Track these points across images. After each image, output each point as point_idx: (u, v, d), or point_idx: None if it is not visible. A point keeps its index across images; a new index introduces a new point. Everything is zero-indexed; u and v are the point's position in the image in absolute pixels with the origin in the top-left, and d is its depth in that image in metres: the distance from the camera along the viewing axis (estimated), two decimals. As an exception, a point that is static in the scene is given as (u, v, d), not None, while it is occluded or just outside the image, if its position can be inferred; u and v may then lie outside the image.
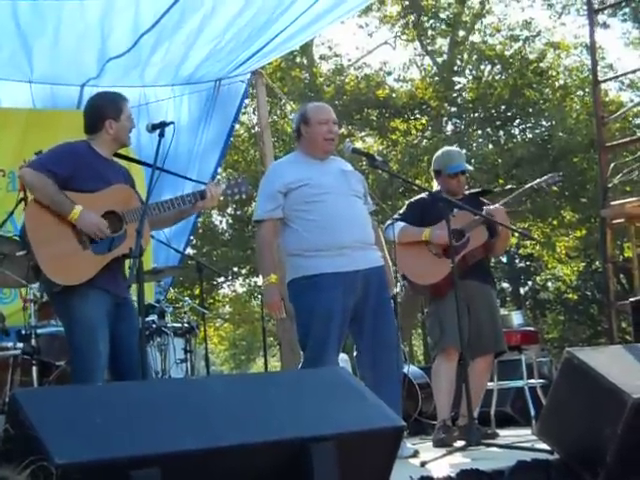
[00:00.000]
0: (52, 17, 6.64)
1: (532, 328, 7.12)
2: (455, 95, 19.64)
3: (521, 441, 4.76)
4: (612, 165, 8.35)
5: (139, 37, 7.03)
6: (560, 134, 17.64)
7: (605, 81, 12.17)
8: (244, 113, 17.84)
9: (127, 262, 4.07)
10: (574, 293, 21.78)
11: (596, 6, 11.81)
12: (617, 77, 18.14)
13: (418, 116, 19.51)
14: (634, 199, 7.96)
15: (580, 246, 19.86)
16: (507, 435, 5.53)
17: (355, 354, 4.69)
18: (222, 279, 20.79)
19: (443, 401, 5.28)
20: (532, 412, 5.96)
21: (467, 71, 20.24)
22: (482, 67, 19.95)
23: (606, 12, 18.40)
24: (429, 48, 20.61)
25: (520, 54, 19.39)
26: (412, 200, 5.65)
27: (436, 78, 19.92)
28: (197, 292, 16.84)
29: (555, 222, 19.22)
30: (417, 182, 15.12)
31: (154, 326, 6.27)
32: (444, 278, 5.14)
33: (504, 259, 20.48)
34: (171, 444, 2.45)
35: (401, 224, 5.31)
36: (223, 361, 34.95)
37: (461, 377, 4.84)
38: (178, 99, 8.31)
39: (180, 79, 8.11)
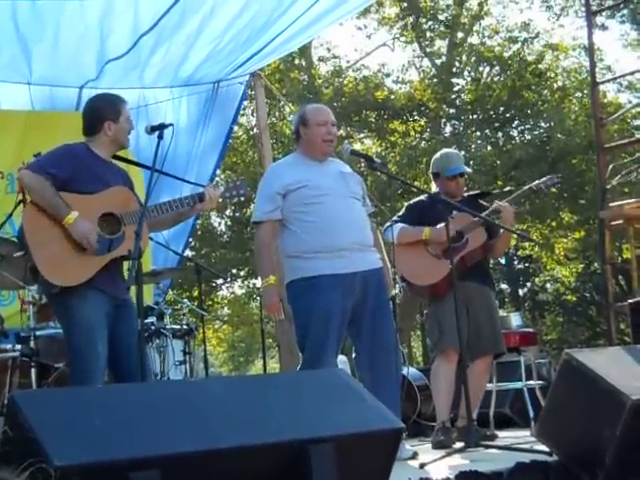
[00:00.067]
0: (51, 19, 6.64)
1: (531, 329, 7.12)
2: (454, 97, 19.66)
3: (520, 442, 4.77)
4: (611, 166, 8.36)
5: (138, 39, 7.03)
6: (559, 135, 17.65)
7: (603, 82, 12.20)
8: (243, 115, 17.87)
9: (126, 264, 4.07)
10: (573, 294, 21.78)
11: (594, 8, 11.83)
12: (615, 78, 18.17)
13: (417, 118, 19.53)
14: (633, 200, 7.98)
15: (579, 247, 19.86)
16: (506, 436, 5.53)
17: (354, 356, 4.69)
18: (221, 281, 20.80)
19: (442, 402, 5.28)
20: (531, 413, 5.95)
21: (466, 73, 20.25)
22: (481, 69, 19.97)
23: (604, 14, 18.44)
24: (428, 50, 20.62)
25: (519, 56, 19.40)
26: (411, 202, 5.65)
27: (435, 80, 19.93)
28: (196, 294, 16.83)
29: (554, 223, 19.23)
30: (416, 184, 15.11)
31: (153, 328, 6.27)
32: (443, 279, 5.15)
33: (503, 260, 20.48)
34: (170, 446, 2.45)
35: (400, 225, 5.31)
36: (222, 363, 34.96)
37: (460, 378, 4.84)
38: (177, 101, 8.31)
39: (179, 81, 8.11)
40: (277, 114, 18.79)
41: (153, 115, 7.91)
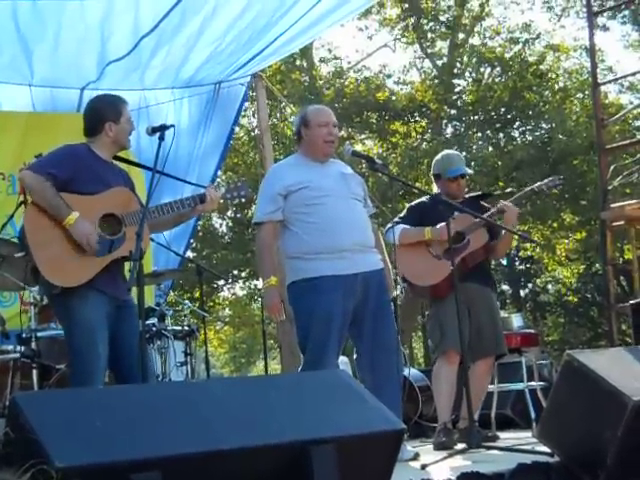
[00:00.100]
0: (52, 20, 6.64)
1: (532, 330, 7.12)
2: (455, 98, 19.65)
3: (521, 444, 4.77)
4: (612, 167, 8.34)
5: (139, 40, 7.04)
6: (560, 136, 17.64)
7: (605, 83, 12.20)
8: (244, 116, 17.88)
9: (127, 265, 4.07)
10: (574, 295, 21.76)
11: (596, 9, 11.83)
12: (617, 79, 18.16)
13: (418, 119, 19.52)
14: (634, 201, 7.96)
15: (580, 248, 19.85)
16: (507, 438, 5.53)
17: (355, 357, 4.69)
18: (222, 282, 20.80)
19: (444, 404, 5.28)
20: (532, 415, 5.95)
21: (467, 74, 20.25)
22: (482, 70, 19.96)
23: (606, 15, 18.45)
24: (429, 51, 20.62)
25: (520, 57, 19.39)
26: (412, 204, 5.66)
27: (436, 81, 19.93)
28: (197, 295, 16.84)
29: (555, 224, 19.22)
30: (417, 185, 15.10)
31: (154, 329, 6.27)
32: (444, 279, 5.15)
33: (504, 261, 20.46)
34: (171, 447, 2.45)
35: (401, 226, 5.31)
36: (223, 364, 34.95)
37: (462, 380, 4.84)
38: (178, 102, 8.31)
39: (180, 82, 8.11)
40: (278, 115, 18.79)
41: (154, 116, 7.92)
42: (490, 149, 19.03)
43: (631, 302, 6.69)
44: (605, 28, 20.00)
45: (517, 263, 22.04)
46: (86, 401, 2.61)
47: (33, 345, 5.30)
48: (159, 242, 7.07)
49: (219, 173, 10.78)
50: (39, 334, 5.37)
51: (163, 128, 4.18)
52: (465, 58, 20.17)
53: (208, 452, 2.48)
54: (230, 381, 5.44)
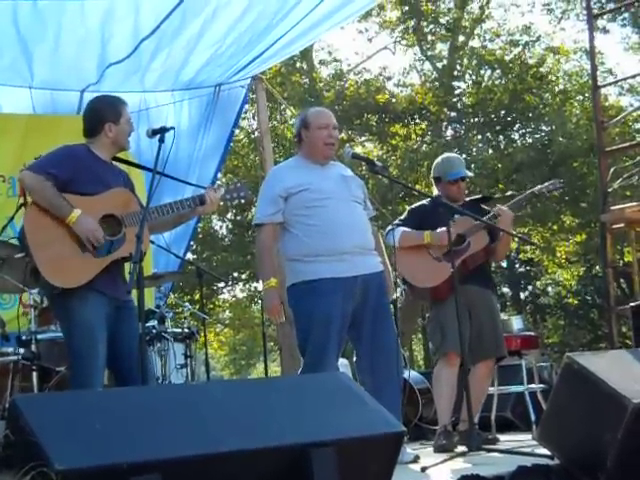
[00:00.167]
0: (52, 23, 6.65)
1: (532, 333, 7.11)
2: (455, 100, 19.65)
3: (521, 446, 4.76)
4: (612, 170, 8.35)
5: (139, 42, 7.04)
6: (560, 139, 17.64)
7: (605, 86, 12.20)
8: (244, 118, 17.87)
9: (127, 266, 4.07)
10: (574, 298, 21.75)
11: (596, 11, 11.84)
12: (617, 82, 18.15)
13: (418, 121, 19.52)
14: (634, 204, 7.96)
15: (580, 251, 19.85)
16: (507, 440, 5.52)
17: (355, 359, 4.69)
18: (222, 284, 20.80)
19: (444, 406, 5.28)
20: (532, 417, 5.94)
21: (467, 76, 20.24)
22: (482, 72, 19.96)
23: (606, 17, 18.46)
24: (429, 53, 20.62)
25: (520, 59, 19.39)
26: (413, 206, 5.66)
27: (436, 83, 19.93)
28: (197, 297, 16.86)
29: (555, 227, 19.22)
30: (417, 187, 15.11)
31: (154, 331, 6.27)
32: (444, 281, 5.14)
33: (504, 264, 20.45)
34: (171, 450, 2.45)
35: (401, 229, 5.31)
36: (223, 366, 34.93)
37: (462, 382, 4.83)
38: (178, 104, 8.31)
39: (180, 84, 8.11)
40: (278, 117, 18.78)
41: (154, 118, 7.92)
42: (490, 151, 19.03)
43: (631, 304, 6.68)
44: (605, 30, 20.01)
45: (517, 265, 22.04)
46: (86, 403, 2.61)
47: (33, 347, 5.29)
48: (159, 244, 7.07)
49: (219, 175, 10.77)
50: (39, 336, 5.37)
51: (163, 130, 4.18)
52: (465, 60, 20.17)
53: (208, 454, 2.48)
54: (230, 383, 5.44)
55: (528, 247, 19.89)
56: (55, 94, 7.82)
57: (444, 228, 4.85)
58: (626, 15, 19.51)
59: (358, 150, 17.79)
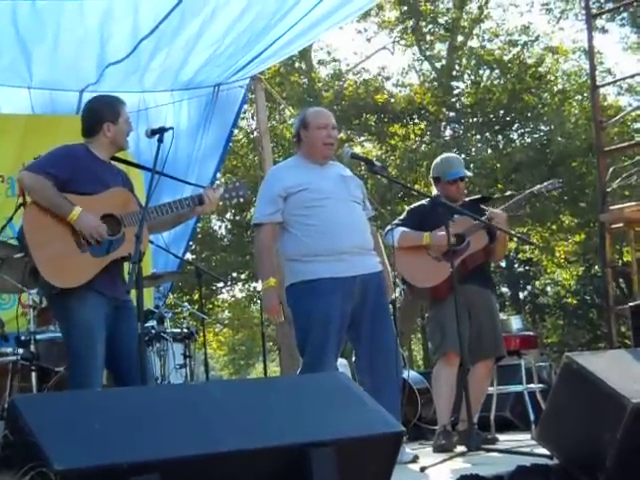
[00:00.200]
0: (51, 23, 6.64)
1: (531, 333, 7.11)
2: (454, 100, 19.65)
3: (521, 446, 4.77)
4: (611, 169, 8.36)
5: (138, 42, 7.04)
6: (559, 139, 17.64)
7: (603, 86, 12.21)
8: (243, 118, 17.86)
9: (126, 266, 4.07)
10: (573, 297, 21.76)
11: (594, 11, 11.84)
12: (615, 82, 18.13)
13: (417, 121, 19.52)
14: (633, 203, 7.96)
15: (579, 251, 19.85)
16: (507, 440, 5.53)
17: (354, 359, 4.69)
18: (221, 284, 20.79)
19: (443, 406, 5.28)
20: (531, 417, 5.95)
21: (466, 76, 20.24)
22: (481, 72, 19.96)
23: (604, 17, 18.45)
24: (427, 53, 20.61)
25: (518, 59, 19.39)
26: (412, 206, 5.66)
27: (435, 83, 19.93)
28: (196, 297, 16.84)
29: (554, 227, 19.22)
30: (416, 187, 15.11)
31: (153, 331, 6.27)
32: (444, 281, 5.14)
33: (503, 264, 20.46)
34: (171, 450, 2.45)
35: (400, 229, 5.31)
36: (222, 366, 34.95)
37: (461, 382, 4.84)
38: (177, 104, 8.31)
39: (179, 84, 8.11)
40: (277, 117, 18.78)
41: (153, 118, 7.92)
42: (489, 151, 19.03)
43: (630, 304, 6.69)
44: (604, 30, 20.00)
45: (516, 265, 22.04)
46: (85, 403, 2.61)
47: (32, 348, 5.30)
48: (158, 244, 7.08)
49: (218, 175, 10.77)
50: (38, 337, 5.37)
51: (162, 130, 4.17)
52: (464, 60, 20.17)
53: (207, 454, 2.48)
54: (229, 383, 5.44)
55: (527, 247, 19.89)
56: (54, 94, 7.82)
57: (443, 232, 4.85)
58: (625, 15, 19.51)
59: (357, 150, 17.80)
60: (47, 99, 7.84)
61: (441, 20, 20.27)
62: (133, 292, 3.96)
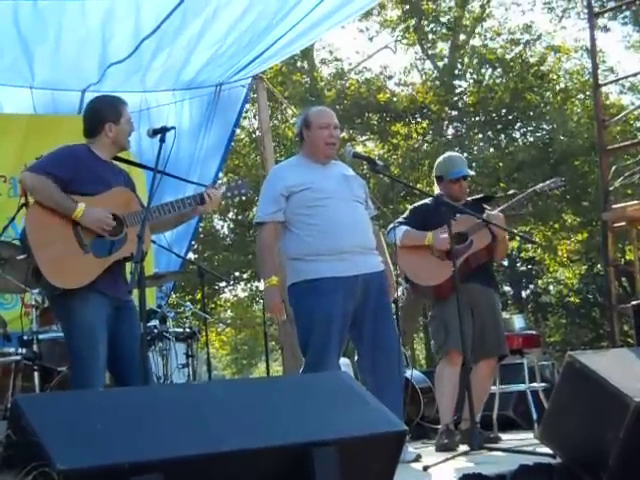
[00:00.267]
0: (53, 23, 6.65)
1: (534, 332, 7.11)
2: (456, 99, 19.64)
3: (523, 445, 4.77)
4: (613, 168, 8.34)
5: (140, 42, 7.04)
6: (561, 137, 17.63)
7: (606, 84, 12.15)
8: (245, 118, 17.82)
9: (129, 266, 4.07)
10: (576, 296, 21.76)
11: (596, 9, 11.83)
12: (618, 80, 18.14)
13: (419, 120, 19.51)
14: (635, 202, 7.94)
15: (582, 249, 19.84)
16: (509, 439, 5.53)
17: (356, 358, 4.69)
18: (224, 284, 20.80)
19: (446, 405, 5.27)
20: (534, 416, 5.94)
21: (468, 75, 20.22)
22: (483, 71, 19.94)
23: (606, 15, 18.44)
24: (430, 52, 20.61)
25: (521, 57, 19.38)
26: (415, 205, 5.66)
27: (437, 82, 19.91)
28: (199, 297, 16.84)
29: (556, 225, 19.21)
30: (418, 186, 15.11)
31: (156, 331, 6.28)
32: (447, 280, 5.13)
33: (505, 263, 20.46)
34: (173, 449, 2.45)
35: (403, 228, 5.31)
36: (225, 366, 34.97)
37: (464, 381, 4.83)
38: (179, 104, 8.31)
39: (181, 84, 8.11)
40: (279, 117, 18.79)
41: (155, 118, 7.92)
42: (491, 150, 19.02)
43: (633, 303, 6.67)
44: (606, 29, 20.01)
45: (519, 264, 22.04)
46: (87, 403, 2.61)
47: (35, 347, 5.30)
48: (160, 244, 7.08)
49: (220, 175, 10.77)
50: (40, 336, 5.37)
51: (164, 130, 4.17)
52: (466, 59, 20.15)
53: (210, 454, 2.48)
54: (232, 383, 5.44)
55: (530, 246, 19.88)
56: (56, 94, 7.83)
57: (446, 234, 4.85)
58: (627, 13, 19.50)
59: (359, 149, 17.78)
60: (49, 99, 7.84)
61: (443, 19, 20.26)
62: (135, 292, 3.96)
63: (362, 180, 4.89)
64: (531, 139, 19.14)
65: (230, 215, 20.04)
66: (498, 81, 19.56)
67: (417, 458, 4.38)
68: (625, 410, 3.30)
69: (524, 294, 22.56)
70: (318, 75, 20.19)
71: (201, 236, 18.34)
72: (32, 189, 4.16)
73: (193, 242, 10.78)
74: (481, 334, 5.30)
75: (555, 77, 19.50)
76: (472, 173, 5.83)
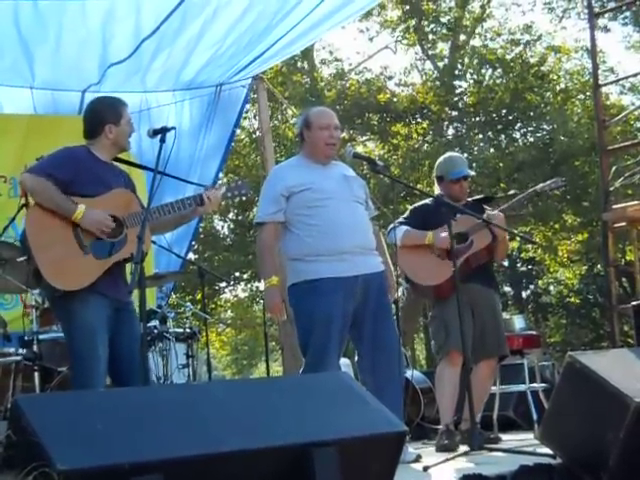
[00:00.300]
0: (53, 23, 6.65)
1: (534, 332, 7.11)
2: (456, 99, 19.64)
3: (524, 445, 4.77)
4: (613, 168, 8.34)
5: (140, 43, 7.05)
6: (561, 138, 17.63)
7: (606, 84, 12.15)
8: (245, 118, 17.85)
9: (129, 267, 4.07)
10: (576, 297, 21.75)
11: (597, 10, 11.83)
12: (618, 80, 18.12)
13: (419, 120, 19.50)
14: (636, 202, 7.95)
15: (582, 250, 19.83)
16: (510, 439, 5.53)
17: (356, 359, 4.69)
18: (224, 284, 20.79)
19: (446, 405, 5.27)
20: (534, 416, 5.94)
21: (468, 75, 20.22)
22: (483, 71, 19.94)
23: (607, 16, 18.44)
24: (430, 52, 20.60)
25: (521, 58, 19.38)
26: (415, 205, 5.66)
27: (437, 82, 19.91)
28: (199, 297, 16.83)
29: (557, 226, 19.20)
30: (418, 186, 15.11)
31: (156, 331, 6.28)
32: (447, 280, 5.13)
33: (506, 263, 20.46)
34: (173, 450, 2.45)
35: (404, 228, 5.31)
36: (225, 366, 34.96)
37: (464, 381, 4.83)
38: (179, 104, 8.32)
39: (181, 84, 8.12)
40: (279, 117, 18.78)
41: (155, 119, 7.92)
42: (491, 150, 19.02)
43: (633, 303, 6.67)
44: (606, 29, 20.00)
45: (519, 264, 22.03)
46: (88, 404, 2.61)
47: (35, 348, 5.30)
48: (161, 244, 7.08)
49: (220, 175, 10.78)
50: (41, 337, 5.38)
51: (164, 130, 4.17)
52: (466, 60, 20.15)
53: (210, 454, 2.48)
54: (232, 383, 5.44)
55: (530, 246, 19.87)
56: (56, 94, 7.83)
57: (446, 233, 4.85)
58: (627, 14, 19.49)
59: (359, 149, 17.78)
60: (49, 99, 7.84)
61: (443, 19, 20.26)
62: (136, 292, 3.96)
63: (362, 180, 4.89)
64: (531, 139, 19.14)
65: (230, 215, 20.04)
66: (498, 81, 19.56)
67: (417, 458, 4.38)
68: (625, 410, 3.30)
69: (524, 294, 22.56)
70: (318, 75, 20.19)
71: (201, 236, 18.34)
72: (32, 191, 4.16)
73: (193, 242, 10.78)
74: (481, 334, 5.30)
75: (555, 77, 19.50)
76: (472, 173, 5.83)
